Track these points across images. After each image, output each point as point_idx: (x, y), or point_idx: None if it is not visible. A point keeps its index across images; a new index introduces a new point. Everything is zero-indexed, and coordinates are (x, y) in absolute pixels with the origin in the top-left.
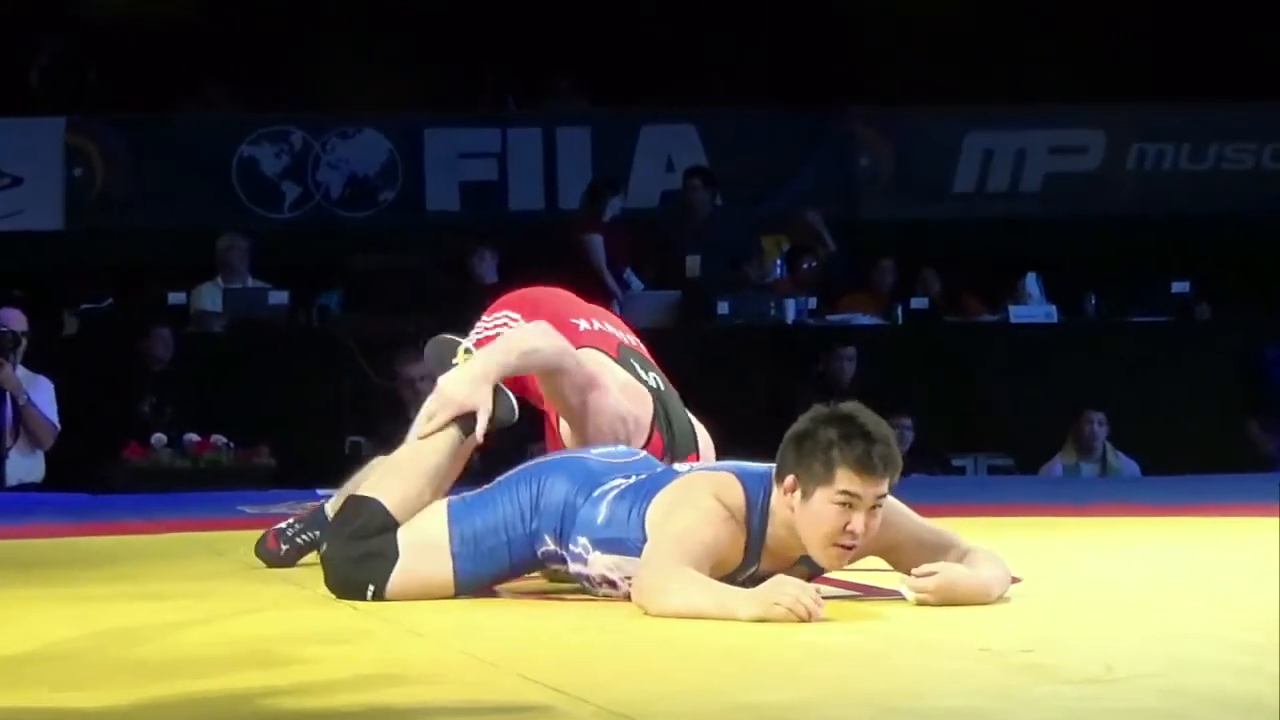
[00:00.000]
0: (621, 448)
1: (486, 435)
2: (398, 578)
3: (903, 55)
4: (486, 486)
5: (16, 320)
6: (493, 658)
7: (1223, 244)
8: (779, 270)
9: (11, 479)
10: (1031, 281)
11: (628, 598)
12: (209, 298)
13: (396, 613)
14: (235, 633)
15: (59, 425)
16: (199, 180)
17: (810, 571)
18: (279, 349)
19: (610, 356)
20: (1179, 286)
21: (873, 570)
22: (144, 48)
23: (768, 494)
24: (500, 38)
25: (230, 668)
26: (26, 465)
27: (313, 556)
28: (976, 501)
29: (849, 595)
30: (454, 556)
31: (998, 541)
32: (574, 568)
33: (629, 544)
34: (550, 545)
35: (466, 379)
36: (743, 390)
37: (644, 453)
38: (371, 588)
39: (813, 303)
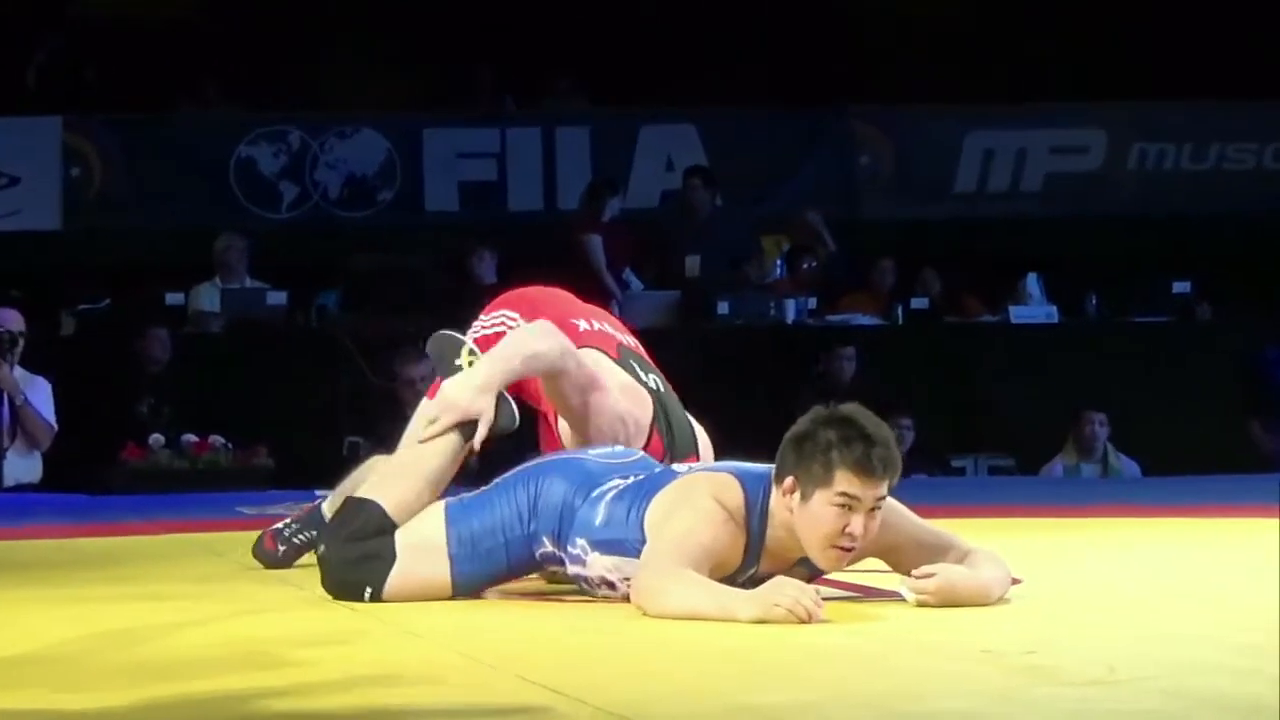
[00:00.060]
0: (619, 448)
1: (484, 442)
2: (395, 579)
3: (903, 55)
4: (484, 488)
5: (14, 320)
6: (491, 659)
7: (1224, 244)
8: (779, 270)
9: (9, 480)
10: (1032, 282)
11: (626, 599)
12: (207, 298)
13: (394, 614)
14: (233, 634)
15: (56, 426)
16: (196, 180)
17: (810, 573)
18: (277, 349)
19: (610, 357)
20: (1180, 286)
21: (873, 571)
22: (141, 47)
23: (767, 495)
24: (499, 37)
25: (228, 669)
26: (24, 466)
27: (310, 557)
28: (977, 502)
29: (849, 596)
30: (451, 558)
31: (998, 543)
32: (572, 569)
33: (628, 545)
34: (548, 547)
35: (470, 386)
36: (743, 391)
37: (642, 453)
38: (369, 589)
39: (813, 303)
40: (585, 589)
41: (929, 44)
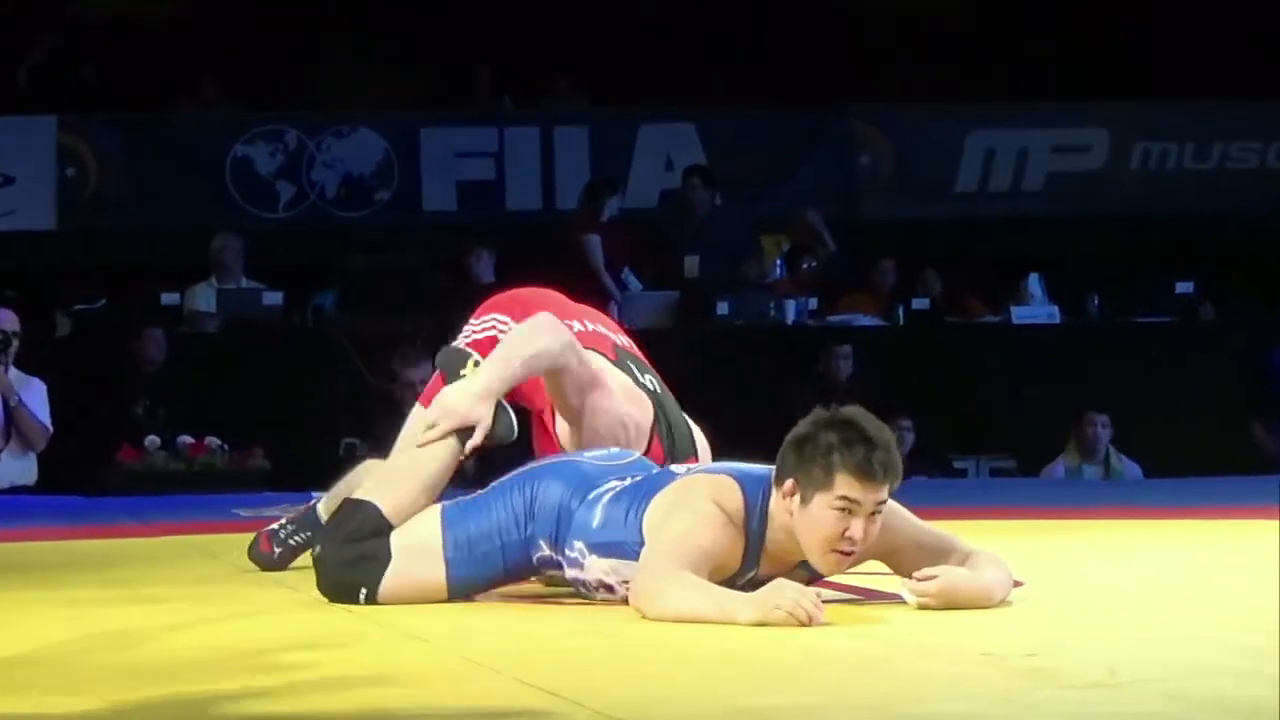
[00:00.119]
0: (616, 450)
1: (478, 448)
2: (390, 580)
3: (903, 55)
4: (481, 492)
5: (9, 321)
6: (489, 662)
7: (1227, 244)
8: (779, 270)
9: (3, 481)
10: (1034, 282)
11: (625, 602)
12: (203, 298)
13: (391, 617)
14: (228, 637)
15: (51, 427)
16: (193, 180)
17: (810, 575)
18: (273, 350)
19: (608, 359)
20: (1183, 287)
21: (873, 574)
22: (137, 46)
23: (767, 497)
24: (498, 36)
25: (224, 672)
26: (19, 468)
27: (306, 559)
28: (978, 504)
29: (849, 599)
30: (447, 561)
31: (999, 544)
32: (570, 573)
33: (626, 547)
34: (545, 550)
35: (469, 393)
36: (742, 392)
37: (639, 455)
38: (364, 591)
39: (813, 303)
40: (584, 593)
41: (929, 44)
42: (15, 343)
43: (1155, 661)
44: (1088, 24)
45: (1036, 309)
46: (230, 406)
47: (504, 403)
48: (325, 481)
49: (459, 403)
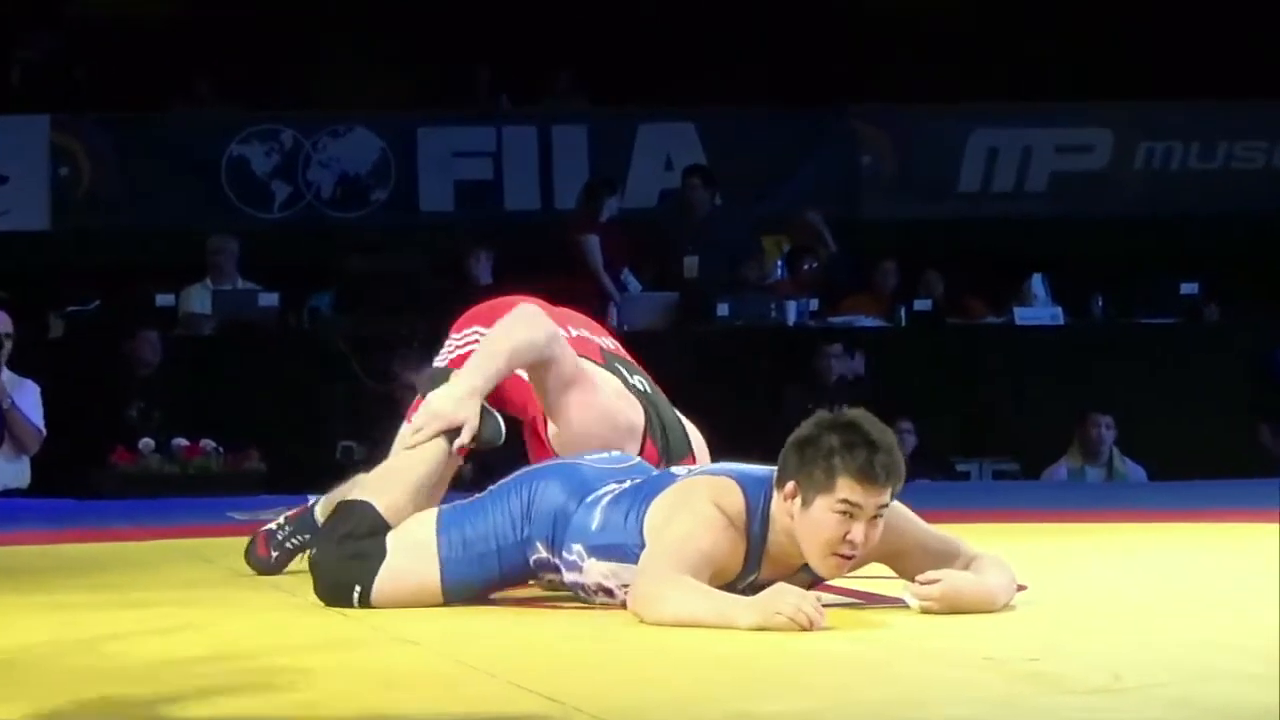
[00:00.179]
0: (615, 453)
1: (470, 450)
2: (384, 578)
3: (903, 55)
4: (478, 495)
5: (1, 322)
6: (484, 666)
7: (1232, 244)
8: (779, 271)
9: None
10: (1037, 283)
11: (624, 606)
12: (198, 300)
13: (387, 620)
14: (222, 641)
15: (44, 430)
16: (187, 180)
17: (812, 579)
18: (269, 352)
19: (596, 363)
20: (1188, 287)
21: (875, 577)
22: (131, 45)
23: (768, 500)
24: (496, 35)
25: (218, 677)
26: (11, 470)
27: (300, 564)
28: (981, 507)
29: (851, 603)
30: (442, 562)
31: (1002, 548)
32: (569, 576)
33: (626, 550)
34: (542, 553)
35: (454, 395)
36: (743, 393)
37: (638, 458)
38: (358, 589)
39: (814, 304)
40: (582, 596)
41: (929, 44)
42: (8, 344)
43: (1160, 666)
44: (1088, 23)
45: (1040, 310)
46: (225, 409)
47: (489, 406)
48: (321, 484)
49: (443, 404)
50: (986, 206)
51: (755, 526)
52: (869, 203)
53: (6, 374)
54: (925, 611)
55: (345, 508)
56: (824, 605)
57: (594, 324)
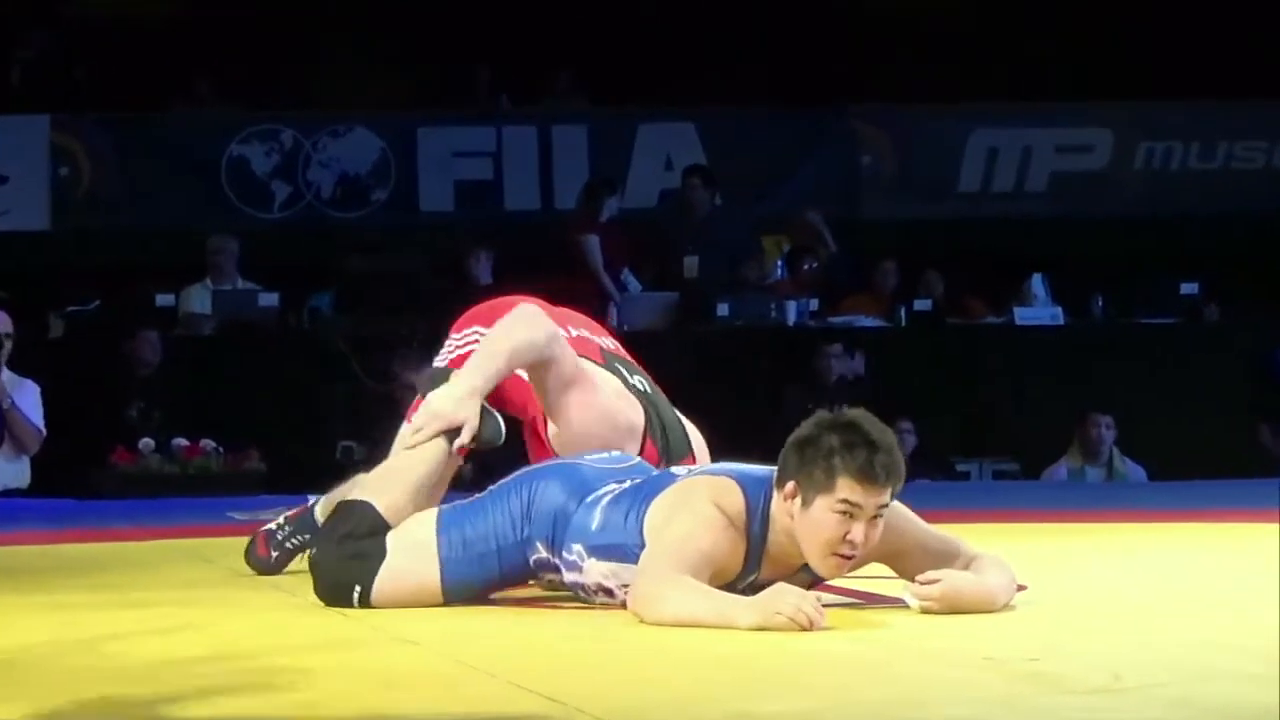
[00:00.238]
0: (616, 453)
1: (470, 450)
2: (384, 578)
3: (903, 55)
4: (478, 495)
5: (1, 322)
6: (484, 666)
7: (1232, 244)
8: (779, 271)
9: None
10: (1037, 283)
11: (624, 606)
12: (198, 300)
13: (387, 621)
14: (223, 641)
15: (44, 430)
16: (187, 180)
17: (812, 579)
18: (269, 352)
19: (596, 363)
20: (1188, 287)
21: (875, 577)
22: (131, 45)
23: (768, 500)
24: (496, 35)
25: (218, 677)
26: (11, 471)
27: (300, 564)
28: (980, 507)
29: (851, 603)
30: (442, 562)
31: (1002, 548)
32: (569, 576)
33: (626, 550)
34: (542, 553)
35: (454, 395)
36: (743, 394)
37: (638, 458)
38: (358, 589)
39: (814, 304)
40: (583, 596)
41: (929, 44)
42: (8, 344)
43: (1160, 666)
44: (1088, 23)
45: (1040, 310)
46: (225, 409)
47: (489, 406)
48: (321, 485)
49: (443, 405)
50: (986, 206)
51: (755, 526)
52: (869, 203)
53: (6, 374)
54: (925, 611)
55: (345, 508)
56: (824, 605)
57: (594, 324)
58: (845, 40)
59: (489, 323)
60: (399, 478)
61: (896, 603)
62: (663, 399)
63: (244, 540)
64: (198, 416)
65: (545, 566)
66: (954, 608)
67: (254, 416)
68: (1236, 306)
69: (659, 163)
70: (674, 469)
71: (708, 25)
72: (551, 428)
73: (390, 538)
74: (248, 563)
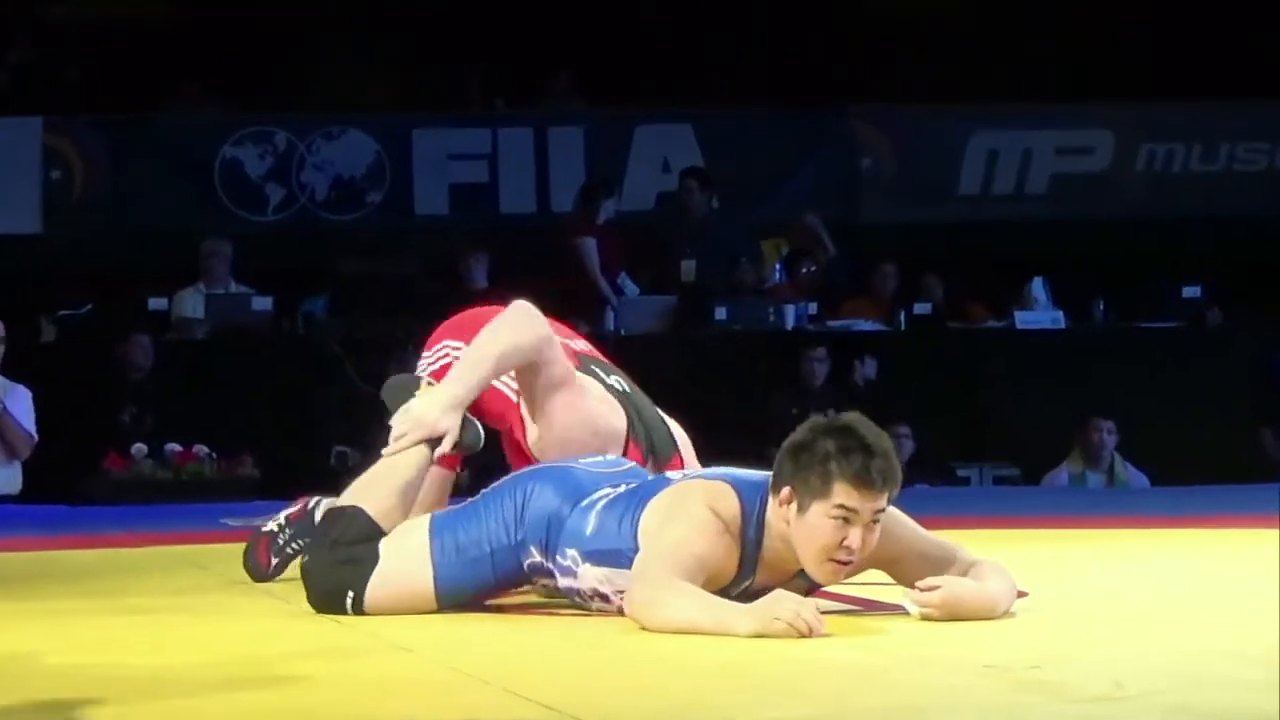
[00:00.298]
0: (609, 457)
1: (462, 456)
2: (377, 583)
3: (904, 54)
4: (470, 499)
5: None
6: (479, 673)
7: (1234, 247)
8: (778, 275)
9: None
10: (1038, 286)
11: (620, 612)
12: (191, 303)
13: (382, 628)
14: (217, 648)
15: (36, 435)
16: (180, 182)
17: (808, 585)
18: (263, 356)
19: (574, 367)
20: (1190, 291)
21: (874, 584)
22: (124, 46)
23: (763, 504)
24: (491, 36)
25: (211, 685)
26: (3, 476)
27: (295, 571)
28: (981, 512)
29: (850, 609)
30: (435, 566)
31: (1002, 554)
32: (563, 581)
33: (621, 555)
34: (536, 557)
35: (437, 404)
36: (742, 398)
37: (632, 463)
38: (351, 594)
39: (813, 308)
40: (578, 602)
41: (929, 44)
42: (0, 349)
43: (1161, 673)
44: (1088, 23)
45: (1041, 314)
46: (219, 414)
47: (470, 416)
48: (316, 490)
49: (426, 414)
50: (987, 209)
51: (750, 531)
52: (868, 205)
53: None
54: (925, 618)
55: (335, 513)
56: (822, 612)
57: (563, 327)
58: (845, 41)
59: (460, 335)
60: (384, 481)
61: (896, 609)
62: (643, 398)
63: (237, 546)
64: (191, 421)
65: (539, 571)
66: (954, 614)
67: (247, 421)
68: (1239, 310)
69: (656, 165)
70: (669, 473)
71: (705, 26)
72: (532, 432)
73: (383, 543)
74: (245, 568)
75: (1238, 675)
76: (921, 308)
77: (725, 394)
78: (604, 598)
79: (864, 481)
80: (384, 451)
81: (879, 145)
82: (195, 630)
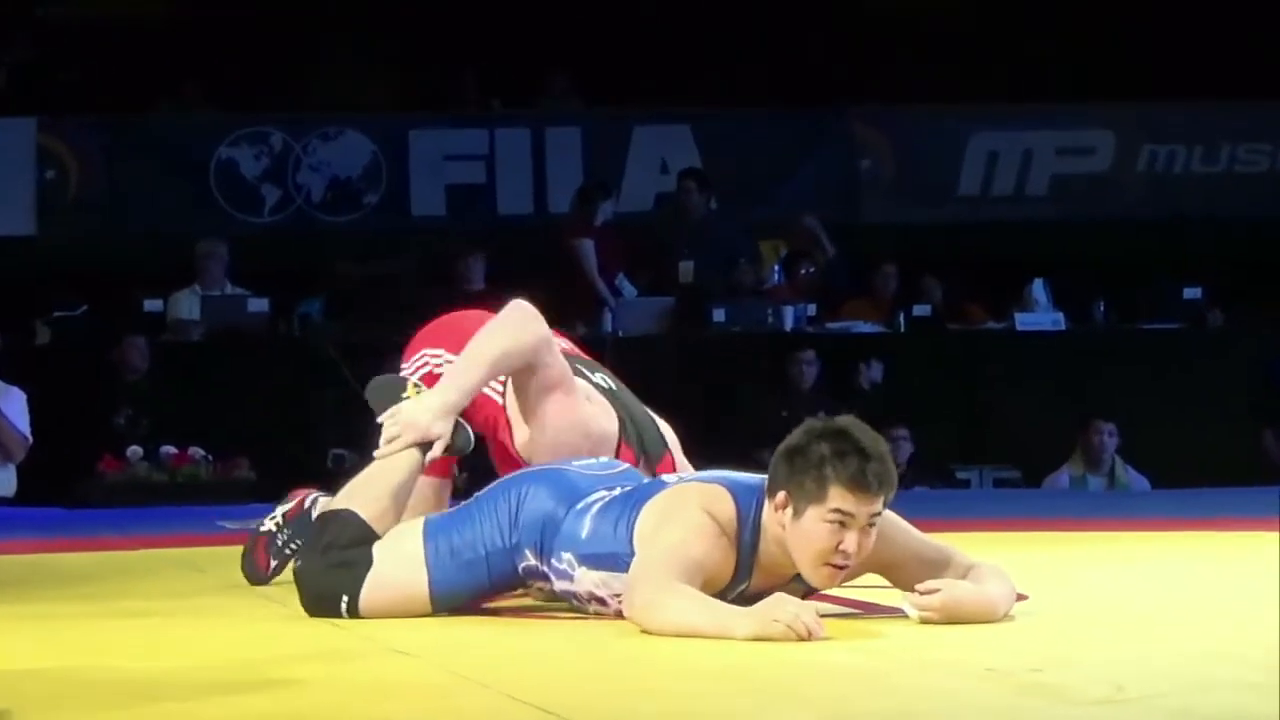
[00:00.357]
0: (604, 459)
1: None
2: (371, 587)
3: (904, 55)
4: (465, 502)
5: None
6: (477, 677)
7: (1235, 248)
8: (776, 276)
9: None
10: (1038, 288)
11: (618, 615)
12: (186, 305)
13: (379, 631)
14: (213, 652)
15: (31, 438)
16: (176, 183)
17: (805, 589)
18: (259, 358)
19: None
20: (1190, 292)
21: (873, 587)
22: (119, 47)
23: (759, 508)
24: (488, 37)
25: (207, 689)
26: None
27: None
28: (981, 515)
29: (849, 613)
30: (430, 569)
31: (1002, 557)
32: (559, 585)
33: (617, 559)
34: (531, 560)
35: (429, 409)
36: (741, 400)
37: (626, 465)
38: (345, 599)
39: (812, 309)
40: (575, 605)
41: (929, 44)
42: None
43: (1163, 677)
44: (1088, 24)
45: (1041, 315)
46: (214, 416)
47: (461, 420)
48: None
49: (418, 418)
50: (987, 210)
51: (746, 535)
52: (868, 206)
53: None
54: (925, 622)
55: (328, 517)
56: (822, 615)
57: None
58: (845, 41)
59: (439, 343)
60: (376, 484)
61: (895, 613)
62: (630, 396)
63: (233, 549)
64: (186, 424)
65: (534, 574)
66: (954, 618)
67: (243, 423)
68: (1240, 311)
69: (654, 165)
70: (664, 476)
71: (704, 26)
72: (521, 435)
73: (377, 547)
74: (243, 570)
75: (1239, 678)
76: (921, 309)
77: (724, 396)
78: (601, 601)
79: (859, 485)
80: (375, 454)
81: (879, 146)
82: (191, 633)
